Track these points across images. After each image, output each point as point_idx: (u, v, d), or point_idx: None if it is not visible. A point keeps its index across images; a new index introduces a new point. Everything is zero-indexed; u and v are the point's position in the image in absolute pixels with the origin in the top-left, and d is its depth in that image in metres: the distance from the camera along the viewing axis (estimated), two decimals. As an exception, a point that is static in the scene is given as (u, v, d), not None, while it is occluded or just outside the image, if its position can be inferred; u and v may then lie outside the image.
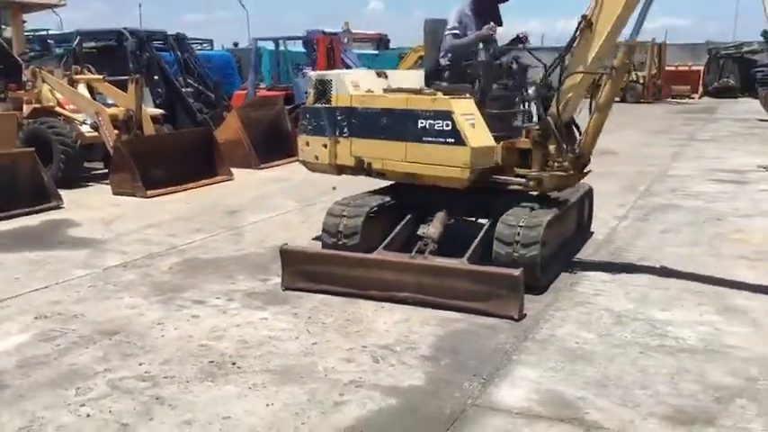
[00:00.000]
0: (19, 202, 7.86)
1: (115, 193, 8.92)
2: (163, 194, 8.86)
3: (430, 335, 4.33)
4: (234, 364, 3.91)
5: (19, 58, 10.14)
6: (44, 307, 4.82)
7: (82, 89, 10.26)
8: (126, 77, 10.30)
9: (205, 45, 23.99)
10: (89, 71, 10.68)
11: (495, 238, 5.11)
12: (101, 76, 10.34)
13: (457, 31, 6.10)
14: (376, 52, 28.95)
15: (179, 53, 12.69)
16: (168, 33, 12.94)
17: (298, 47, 18.13)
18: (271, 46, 18.10)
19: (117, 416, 3.33)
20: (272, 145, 11.48)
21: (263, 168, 10.90)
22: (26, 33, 19.10)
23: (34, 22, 30.40)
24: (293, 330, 4.40)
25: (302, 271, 5.11)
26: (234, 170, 10.32)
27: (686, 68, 31.62)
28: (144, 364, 3.89)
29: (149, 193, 8.77)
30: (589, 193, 6.70)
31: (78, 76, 10.29)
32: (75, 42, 12.45)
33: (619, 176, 10.19)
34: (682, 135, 15.90)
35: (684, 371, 3.81)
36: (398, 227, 5.62)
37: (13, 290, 5.20)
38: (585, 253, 6.20)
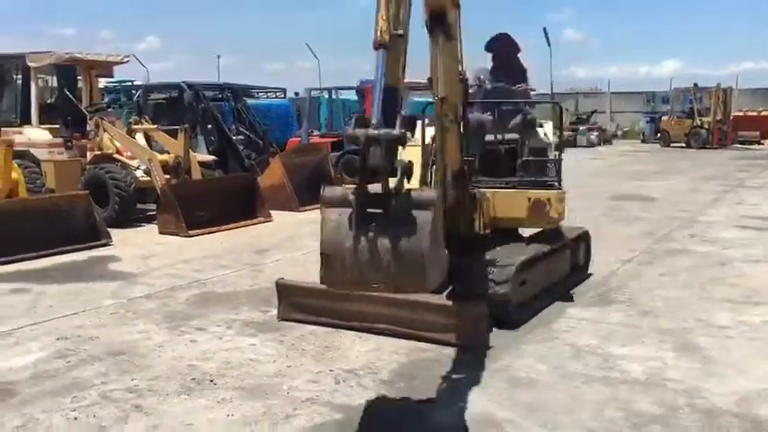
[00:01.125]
0: (73, 239, 8.70)
1: (161, 233, 9.71)
2: (204, 234, 9.60)
3: (394, 362, 4.75)
4: (212, 381, 4.44)
5: (84, 110, 11.19)
6: (67, 330, 5.50)
7: (139, 138, 11.22)
8: (185, 126, 11.24)
9: (279, 93, 25.03)
10: (146, 121, 11.67)
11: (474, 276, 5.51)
12: (155, 126, 11.29)
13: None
14: (431, 99, 29.54)
15: (233, 103, 13.63)
16: (225, 85, 13.94)
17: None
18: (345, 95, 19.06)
19: (99, 420, 3.90)
20: (313, 189, 12.10)
21: (302, 211, 11.56)
22: (113, 83, 20.77)
23: (126, 72, 32.55)
24: (274, 355, 4.91)
25: (296, 303, 5.63)
26: (275, 212, 11.03)
27: (755, 114, 30.96)
28: (135, 379, 4.47)
29: (191, 232, 9.52)
30: (584, 237, 7.01)
31: (136, 126, 11.27)
32: (137, 95, 13.57)
33: (644, 222, 10.37)
34: (731, 182, 15.77)
35: (614, 400, 4.11)
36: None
37: (47, 315, 5.91)
38: (577, 293, 6.48)
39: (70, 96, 11.53)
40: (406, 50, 3.68)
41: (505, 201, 5.96)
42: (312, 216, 11.04)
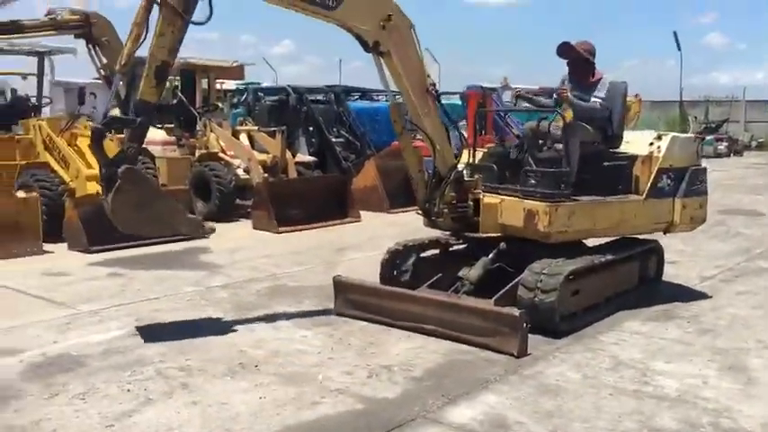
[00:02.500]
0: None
1: (254, 228, 10.30)
2: (293, 231, 10.09)
3: (431, 361, 4.92)
4: (256, 366, 4.78)
5: (195, 111, 12.02)
6: (145, 312, 6.04)
7: (243, 138, 11.93)
8: (285, 128, 11.86)
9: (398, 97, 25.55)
10: (250, 123, 12.37)
11: (520, 283, 5.58)
12: (256, 128, 11.95)
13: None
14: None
15: (335, 107, 14.14)
16: (329, 88, 14.47)
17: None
18: (446, 100, 19.29)
19: (148, 393, 4.32)
20: (406, 191, 12.40)
21: (393, 213, 11.86)
22: (241, 85, 22.01)
23: (257, 75, 34.20)
24: (320, 347, 5.20)
25: (351, 300, 5.92)
26: (367, 213, 11.40)
27: None
28: (189, 360, 4.89)
29: (281, 229, 10.03)
30: (655, 250, 6.85)
31: (240, 128, 11.98)
32: (243, 98, 14.36)
33: (742, 238, 9.94)
34: None
35: (637, 413, 4.09)
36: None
37: (132, 298, 6.50)
38: (641, 306, 6.36)
39: (183, 99, 12.39)
40: None
41: (509, 208, 5.96)
42: (401, 218, 11.36)
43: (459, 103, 18.86)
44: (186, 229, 5.88)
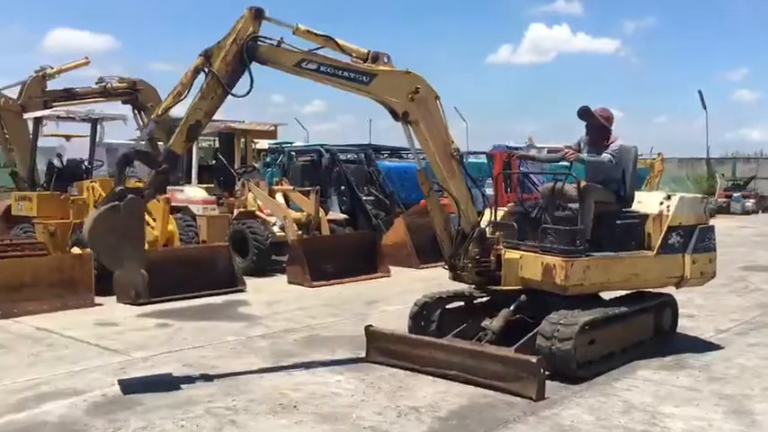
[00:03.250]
0: (213, 284, 10.00)
1: (289, 282, 10.85)
2: (326, 285, 10.62)
3: (455, 404, 5.35)
4: (295, 406, 5.26)
5: (233, 171, 12.76)
6: (192, 359, 6.57)
7: (279, 197, 12.60)
8: (316, 187, 12.52)
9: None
10: (286, 183, 13.07)
11: (538, 333, 6.01)
12: (291, 187, 12.63)
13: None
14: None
15: (365, 166, 14.83)
16: (359, 148, 15.18)
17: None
18: (474, 159, 19.96)
19: (200, 428, 4.82)
20: (434, 247, 12.90)
21: (422, 268, 12.35)
22: (274, 145, 22.93)
23: (289, 133, 35.43)
24: (353, 390, 5.67)
25: (381, 348, 6.39)
26: (396, 268, 11.92)
27: None
28: (235, 401, 5.38)
29: (315, 283, 10.56)
30: (669, 303, 7.24)
31: (276, 187, 12.67)
32: (278, 159, 15.11)
33: (761, 293, 10.27)
34: None
35: (643, 450, 4.48)
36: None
37: (180, 346, 7.05)
38: (655, 356, 6.71)
39: (223, 160, 13.17)
40: None
41: (529, 263, 6.44)
42: (430, 273, 11.82)
43: (485, 161, 19.53)
44: (129, 276, 6.16)
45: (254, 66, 5.88)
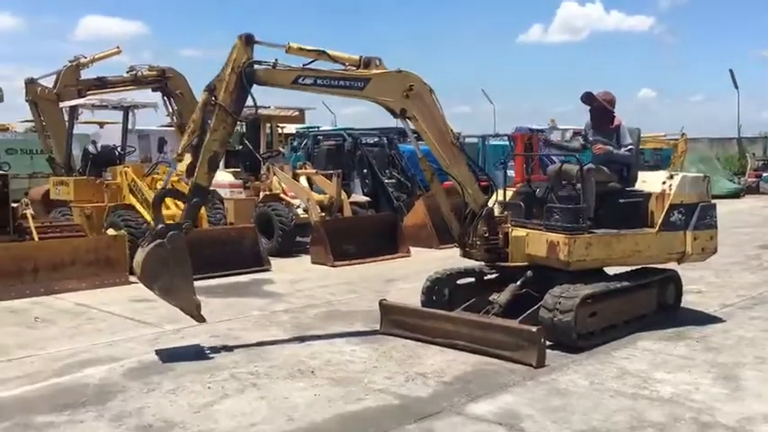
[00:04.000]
0: (240, 264, 10.49)
1: (312, 262, 11.32)
2: (347, 265, 11.06)
3: (460, 370, 5.76)
4: (312, 372, 5.72)
5: (259, 156, 13.24)
6: (220, 331, 7.06)
7: (303, 180, 13.06)
8: (342, 170, 12.97)
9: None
10: (309, 166, 13.53)
11: (542, 305, 6.38)
12: (314, 171, 13.08)
13: None
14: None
15: (387, 150, 15.21)
16: (382, 132, 15.57)
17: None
18: (497, 141, 20.26)
19: (225, 390, 5.30)
20: (454, 229, 13.33)
21: (441, 249, 12.72)
22: (301, 129, 23.43)
23: (316, 117, 36.02)
24: (366, 358, 6.10)
25: (394, 320, 6.82)
26: (417, 249, 12.32)
27: None
28: (257, 367, 5.85)
29: (336, 263, 11.02)
30: (672, 279, 7.53)
31: (300, 171, 13.13)
32: (304, 143, 15.56)
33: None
34: None
35: (630, 409, 4.85)
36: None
37: (208, 319, 7.44)
38: (657, 328, 7.03)
39: (249, 145, 13.65)
40: None
41: (534, 240, 6.80)
42: (449, 253, 12.16)
43: (508, 144, 19.78)
44: (183, 305, 6.29)
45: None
